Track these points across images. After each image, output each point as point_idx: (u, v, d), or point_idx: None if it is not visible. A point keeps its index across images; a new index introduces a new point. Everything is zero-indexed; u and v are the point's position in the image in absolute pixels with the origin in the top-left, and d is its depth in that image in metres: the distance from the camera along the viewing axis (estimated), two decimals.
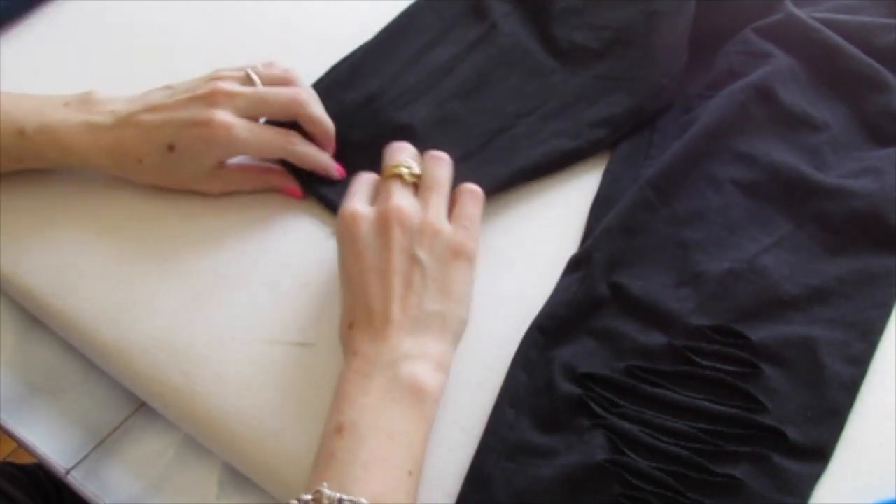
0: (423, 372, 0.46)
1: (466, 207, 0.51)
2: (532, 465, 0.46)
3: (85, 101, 0.56)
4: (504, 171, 0.57)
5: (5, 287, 0.57)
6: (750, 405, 0.47)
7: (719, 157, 0.58)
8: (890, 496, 0.45)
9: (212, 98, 0.54)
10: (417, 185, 0.52)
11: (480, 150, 0.59)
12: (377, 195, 0.51)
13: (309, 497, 0.41)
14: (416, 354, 0.46)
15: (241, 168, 0.57)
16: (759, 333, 0.50)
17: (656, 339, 0.50)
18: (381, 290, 0.47)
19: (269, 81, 0.56)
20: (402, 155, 0.53)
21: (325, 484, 0.41)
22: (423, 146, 0.56)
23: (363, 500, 0.41)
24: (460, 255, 0.49)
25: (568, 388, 0.48)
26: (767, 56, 0.62)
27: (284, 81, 0.57)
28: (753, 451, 0.46)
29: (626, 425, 0.46)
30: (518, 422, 0.47)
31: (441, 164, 0.53)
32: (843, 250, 0.54)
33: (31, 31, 0.69)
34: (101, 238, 0.56)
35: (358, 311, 0.47)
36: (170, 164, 0.54)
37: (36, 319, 0.57)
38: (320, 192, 0.57)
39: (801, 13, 0.63)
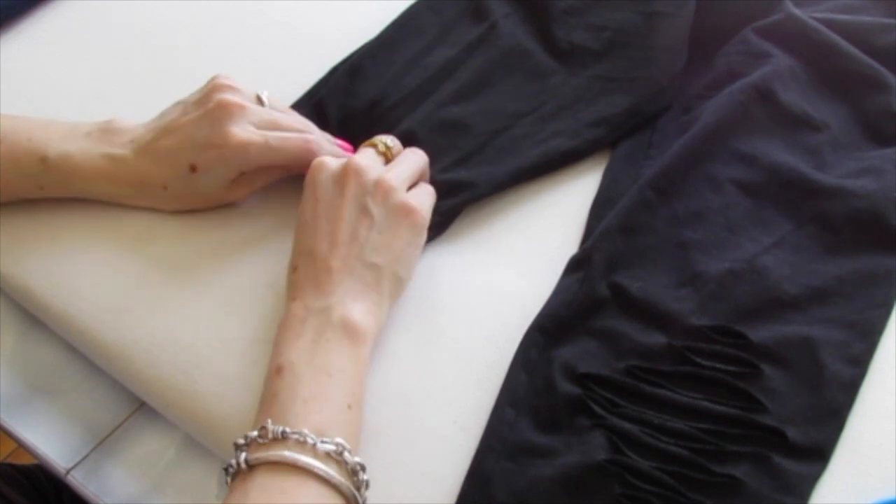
0: (355, 314, 0.47)
1: (422, 191, 0.53)
2: (532, 465, 0.46)
3: (105, 130, 0.55)
4: (504, 171, 0.57)
5: (5, 287, 0.57)
6: (750, 405, 0.47)
7: (719, 158, 0.58)
8: (890, 496, 0.45)
9: (225, 111, 0.53)
10: (389, 160, 0.54)
11: (480, 151, 0.59)
12: None
13: (255, 433, 0.42)
14: (348, 300, 0.48)
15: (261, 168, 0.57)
16: (759, 333, 0.50)
17: (656, 339, 0.50)
18: (327, 236, 0.49)
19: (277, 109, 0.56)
20: (386, 137, 0.55)
21: (269, 420, 0.43)
22: (424, 150, 0.56)
23: (304, 430, 0.42)
24: (409, 215, 0.51)
25: (568, 388, 0.48)
26: (767, 56, 0.62)
27: (288, 113, 0.57)
28: (753, 451, 0.46)
29: (626, 425, 0.46)
30: (518, 422, 0.47)
31: (417, 152, 0.55)
32: (843, 250, 0.54)
33: (31, 31, 0.69)
34: (101, 238, 0.56)
35: (303, 255, 0.49)
36: (194, 184, 0.54)
37: (36, 319, 0.57)
38: None
39: (801, 13, 0.63)
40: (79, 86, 0.65)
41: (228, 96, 0.54)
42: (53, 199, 0.57)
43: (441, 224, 0.55)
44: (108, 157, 0.54)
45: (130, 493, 0.52)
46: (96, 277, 0.54)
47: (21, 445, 0.55)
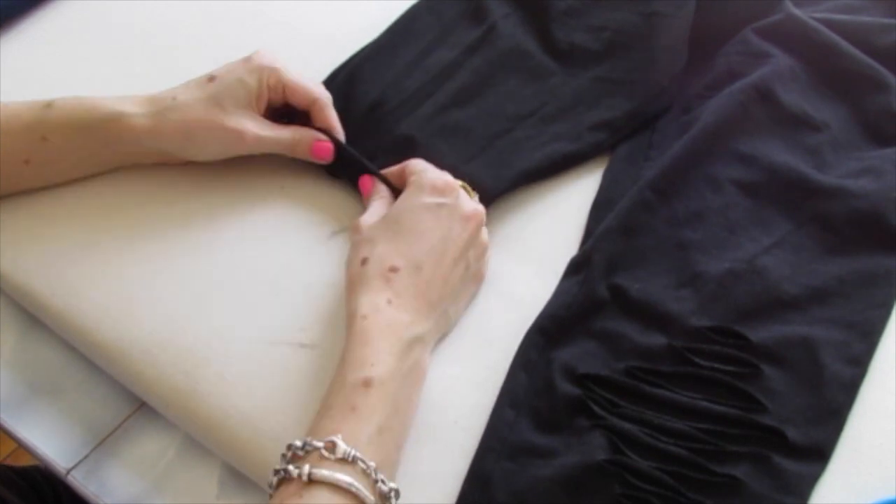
0: (427, 358, 0.48)
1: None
2: (532, 465, 0.46)
3: (150, 99, 0.55)
4: (506, 174, 0.58)
5: (5, 287, 0.57)
6: (750, 405, 0.47)
7: (719, 158, 0.58)
8: (890, 496, 0.45)
9: (266, 56, 0.55)
10: None
11: (481, 154, 0.59)
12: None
13: (320, 444, 0.41)
14: (428, 340, 0.48)
15: (282, 123, 0.57)
16: (759, 334, 0.50)
17: (656, 339, 0.50)
18: (437, 262, 0.49)
19: (298, 99, 0.57)
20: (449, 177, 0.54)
21: (340, 437, 0.41)
22: (425, 153, 0.56)
23: (371, 464, 0.41)
24: (480, 283, 0.53)
25: (568, 388, 0.48)
26: (767, 56, 0.62)
27: (309, 104, 0.57)
28: (753, 451, 0.46)
29: (626, 425, 0.46)
30: (518, 422, 0.47)
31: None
32: (843, 250, 0.54)
33: (31, 31, 0.69)
34: (101, 238, 0.56)
35: (409, 260, 0.48)
36: (208, 92, 0.54)
37: (36, 319, 0.57)
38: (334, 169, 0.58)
39: (801, 13, 0.63)
40: (79, 86, 0.65)
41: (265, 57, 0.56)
42: (54, 199, 0.57)
43: None
44: (158, 102, 0.54)
45: (130, 493, 0.52)
46: (96, 278, 0.54)
47: (21, 445, 0.55)
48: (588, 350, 0.50)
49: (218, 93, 0.54)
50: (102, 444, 0.54)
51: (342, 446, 0.41)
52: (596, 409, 0.47)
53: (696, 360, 0.49)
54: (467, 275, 0.51)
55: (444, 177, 0.52)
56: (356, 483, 0.40)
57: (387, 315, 0.46)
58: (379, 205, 0.53)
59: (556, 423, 0.47)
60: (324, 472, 0.40)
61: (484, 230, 0.53)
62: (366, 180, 0.56)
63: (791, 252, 0.54)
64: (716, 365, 0.49)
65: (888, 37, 0.63)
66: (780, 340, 0.49)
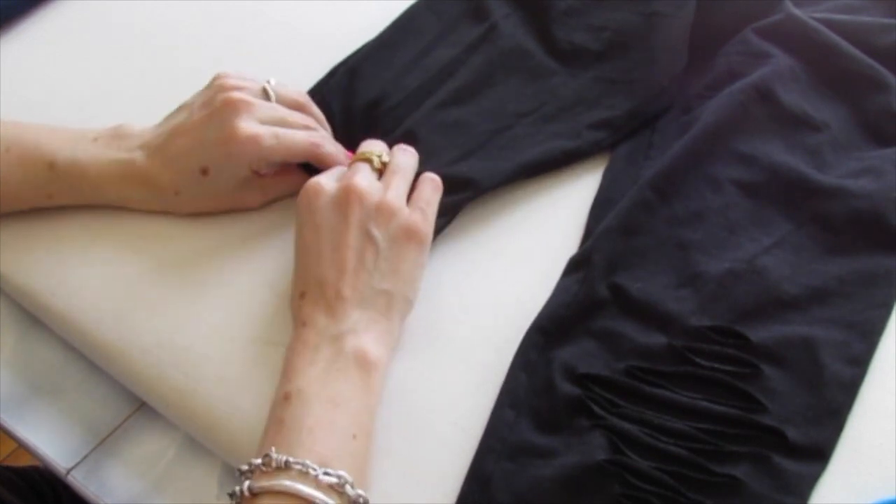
0: (367, 344, 0.47)
1: (425, 192, 0.53)
2: (532, 465, 0.46)
3: (114, 135, 0.55)
4: (504, 167, 0.57)
5: (5, 287, 0.57)
6: (750, 405, 0.47)
7: (719, 158, 0.58)
8: (890, 496, 0.45)
9: (231, 107, 0.52)
10: (383, 172, 0.53)
11: (480, 149, 0.59)
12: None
13: (259, 461, 0.42)
14: (361, 329, 0.47)
15: (277, 174, 0.56)
16: (759, 334, 0.50)
17: (656, 339, 0.50)
18: (334, 264, 0.49)
19: (284, 102, 0.56)
20: (375, 146, 0.55)
21: (273, 448, 0.42)
22: (424, 150, 0.56)
23: (307, 461, 0.42)
24: (413, 237, 0.50)
25: (568, 388, 0.48)
26: (767, 56, 0.62)
27: (298, 107, 0.56)
28: (753, 452, 0.46)
29: (626, 425, 0.46)
30: (518, 422, 0.47)
31: (407, 153, 0.55)
32: (843, 250, 0.54)
33: (31, 31, 0.69)
34: (101, 238, 0.56)
35: (310, 281, 0.49)
36: (206, 188, 0.54)
37: (36, 319, 0.57)
38: None
39: (801, 13, 0.63)
40: (79, 86, 0.65)
41: (234, 94, 0.53)
42: None
43: (442, 222, 0.55)
44: (118, 161, 0.54)
45: (130, 493, 0.52)
46: (96, 278, 0.54)
47: (21, 445, 0.55)
48: (588, 350, 0.50)
49: (215, 185, 0.54)
50: (102, 444, 0.54)
51: (274, 456, 0.42)
52: (596, 409, 0.47)
53: (696, 359, 0.49)
54: (385, 246, 0.49)
55: (308, 183, 0.51)
56: (289, 482, 0.41)
57: (301, 335, 0.47)
58: None
59: (556, 423, 0.47)
60: (262, 483, 0.42)
61: (376, 192, 0.50)
62: None
63: (791, 252, 0.54)
64: (716, 365, 0.49)
65: (888, 37, 0.62)
66: (780, 340, 0.49)
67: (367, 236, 0.49)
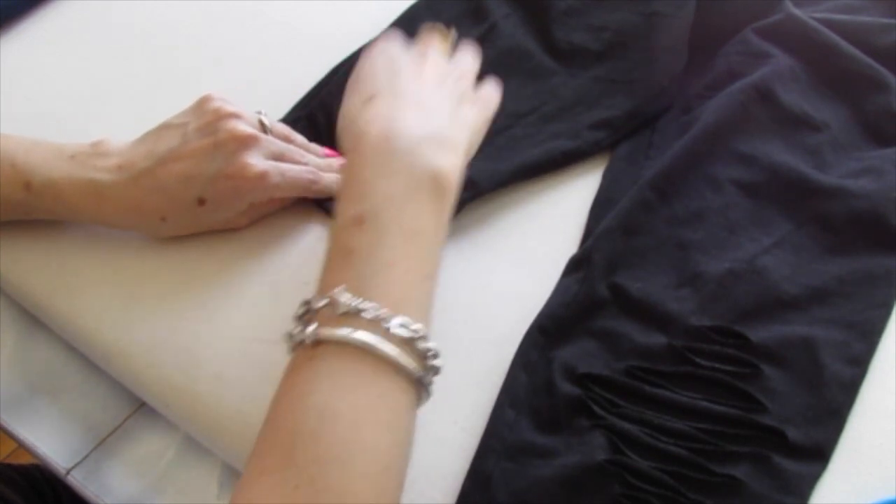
0: (445, 161, 0.42)
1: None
2: (532, 465, 0.46)
3: (92, 153, 0.52)
4: (504, 168, 0.57)
5: (5, 287, 0.57)
6: (750, 405, 0.47)
7: (719, 158, 0.58)
8: (890, 496, 0.45)
9: (240, 143, 0.51)
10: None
11: (480, 149, 0.59)
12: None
13: (323, 302, 0.38)
14: (441, 139, 0.43)
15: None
16: (759, 334, 0.50)
17: (656, 339, 0.50)
18: (415, 77, 0.46)
19: (277, 135, 0.55)
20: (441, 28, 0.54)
21: (343, 289, 0.38)
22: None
23: (384, 310, 0.38)
24: (484, 109, 0.50)
25: (568, 388, 0.48)
26: (767, 56, 0.62)
27: (287, 138, 0.56)
28: (753, 452, 0.46)
29: (626, 425, 0.46)
30: (518, 422, 0.47)
31: (468, 54, 0.54)
32: (843, 250, 0.54)
33: (31, 31, 0.69)
34: (100, 238, 0.56)
35: (382, 87, 0.45)
36: (198, 216, 0.53)
37: (36, 319, 0.57)
38: (327, 206, 0.57)
39: (801, 13, 0.63)
40: (79, 86, 0.65)
41: (241, 127, 0.51)
42: None
43: None
44: (94, 183, 0.51)
45: (130, 493, 0.52)
46: (96, 277, 0.54)
47: (21, 445, 0.55)
48: (588, 349, 0.50)
49: (209, 215, 0.53)
50: (102, 444, 0.54)
51: (343, 300, 0.38)
52: (596, 409, 0.47)
53: (696, 359, 0.49)
54: (458, 92, 0.48)
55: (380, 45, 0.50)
56: (364, 337, 0.37)
57: (369, 139, 0.42)
58: None
59: (556, 423, 0.47)
60: (327, 332, 0.38)
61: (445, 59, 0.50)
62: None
63: (791, 252, 0.54)
64: (716, 365, 0.49)
65: (888, 37, 0.63)
66: (780, 340, 0.49)
67: (444, 82, 0.48)
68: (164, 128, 0.53)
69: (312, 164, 0.56)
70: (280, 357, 0.51)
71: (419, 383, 0.39)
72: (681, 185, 0.56)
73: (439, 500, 0.46)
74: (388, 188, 0.40)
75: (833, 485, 0.46)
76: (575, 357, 0.49)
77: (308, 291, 0.53)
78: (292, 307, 0.53)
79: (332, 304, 0.38)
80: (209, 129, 0.51)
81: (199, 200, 0.51)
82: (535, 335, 0.50)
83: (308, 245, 0.56)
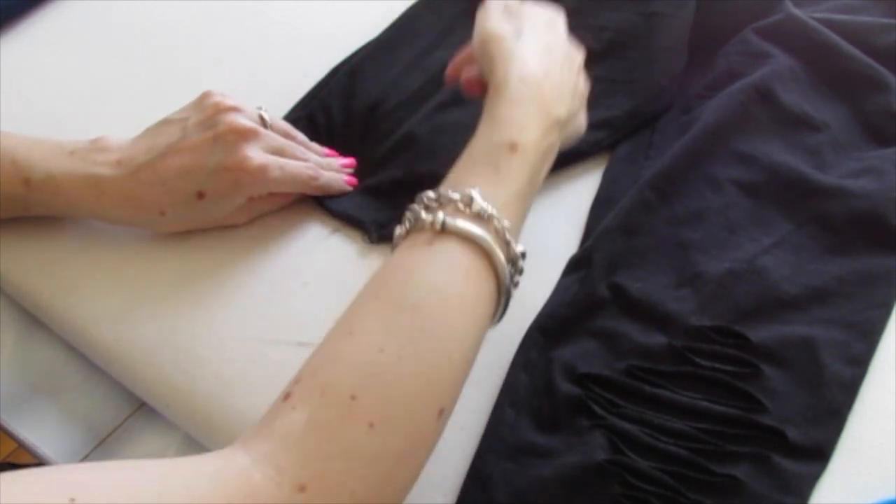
0: (568, 118, 0.49)
1: None
2: (532, 465, 0.46)
3: (91, 148, 0.52)
4: None
5: (5, 287, 0.57)
6: (750, 405, 0.47)
7: (719, 158, 0.58)
8: (890, 496, 0.45)
9: (240, 135, 0.51)
10: None
11: None
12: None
13: (458, 196, 0.41)
14: (561, 128, 0.48)
15: (266, 195, 0.56)
16: (759, 334, 0.50)
17: (656, 339, 0.50)
18: (567, 47, 0.51)
19: (277, 130, 0.56)
20: None
21: (478, 189, 0.41)
22: (425, 151, 0.56)
23: (507, 224, 0.41)
24: (580, 96, 0.53)
25: (568, 388, 0.48)
26: (767, 56, 0.62)
27: (288, 134, 0.56)
28: (753, 451, 0.46)
29: (626, 425, 0.46)
30: (518, 422, 0.47)
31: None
32: (843, 250, 0.54)
33: (31, 31, 0.69)
34: (101, 239, 0.56)
35: (555, 51, 0.50)
36: (197, 210, 0.53)
37: (36, 319, 0.57)
38: (327, 204, 0.57)
39: (801, 13, 0.63)
40: (79, 86, 0.65)
41: (240, 120, 0.52)
42: None
43: None
44: (93, 177, 0.51)
45: None
46: (97, 278, 0.54)
47: (21, 445, 0.55)
48: (588, 349, 0.50)
49: (208, 209, 0.53)
50: (102, 444, 0.54)
51: (479, 201, 0.41)
52: (596, 408, 0.47)
53: (697, 359, 0.49)
54: (577, 87, 0.52)
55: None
56: (489, 239, 0.41)
57: (541, 85, 0.47)
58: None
59: (557, 423, 0.47)
60: (458, 223, 0.41)
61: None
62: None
63: (791, 252, 0.54)
64: (716, 365, 0.49)
65: (888, 37, 0.63)
66: (780, 340, 0.49)
67: (573, 71, 0.51)
68: (164, 123, 0.53)
69: (313, 161, 0.56)
70: (280, 357, 0.51)
71: (507, 296, 0.43)
72: (681, 185, 0.56)
73: (439, 500, 0.46)
74: (542, 139, 0.45)
75: (833, 485, 0.45)
76: (575, 357, 0.49)
77: (308, 293, 0.53)
78: (291, 306, 0.53)
79: (467, 200, 0.41)
80: (209, 123, 0.51)
81: (198, 194, 0.52)
82: (535, 335, 0.50)
83: (308, 245, 0.56)
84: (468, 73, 0.54)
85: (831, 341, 0.50)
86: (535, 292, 0.53)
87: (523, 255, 0.43)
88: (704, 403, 0.47)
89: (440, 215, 0.41)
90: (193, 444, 0.53)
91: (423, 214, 0.41)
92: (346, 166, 0.58)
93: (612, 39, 0.64)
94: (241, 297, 0.53)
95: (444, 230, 0.41)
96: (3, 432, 0.56)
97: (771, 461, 0.45)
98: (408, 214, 0.42)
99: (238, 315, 0.53)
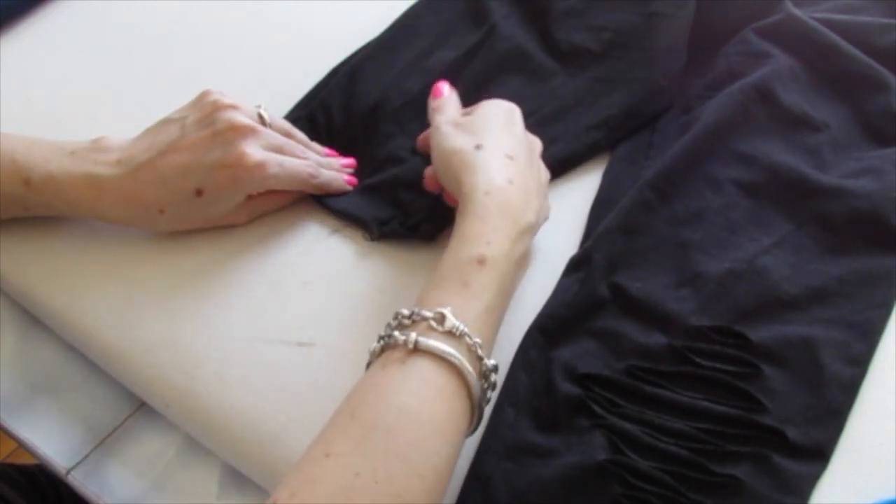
0: (535, 221, 0.49)
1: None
2: (532, 465, 0.46)
3: (92, 148, 0.53)
4: None
5: (5, 287, 0.57)
6: (750, 405, 0.47)
7: (719, 158, 0.58)
8: (890, 496, 0.45)
9: (238, 132, 0.52)
10: None
11: None
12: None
13: (431, 314, 0.42)
14: (534, 232, 0.49)
15: (266, 193, 0.56)
16: (759, 334, 0.50)
17: (656, 339, 0.50)
18: (527, 159, 0.50)
19: (277, 129, 0.56)
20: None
21: (451, 309, 0.42)
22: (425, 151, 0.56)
23: (478, 341, 0.42)
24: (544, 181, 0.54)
25: (568, 388, 0.48)
26: (767, 56, 0.62)
27: (287, 133, 0.56)
28: (753, 451, 0.46)
29: (627, 425, 0.46)
30: (518, 422, 0.47)
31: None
32: (843, 250, 0.54)
33: (31, 31, 0.69)
34: (101, 239, 0.56)
35: (520, 153, 0.50)
36: (196, 208, 0.53)
37: (36, 319, 0.57)
38: (327, 202, 0.57)
39: (801, 13, 0.63)
40: (79, 86, 0.65)
41: (239, 117, 0.52)
42: None
43: (440, 226, 0.55)
44: (92, 176, 0.51)
45: (130, 493, 0.52)
46: (96, 277, 0.54)
47: (21, 445, 0.55)
48: (588, 349, 0.50)
49: (207, 207, 0.53)
50: (102, 444, 0.54)
51: (451, 319, 0.41)
52: (596, 408, 0.47)
53: (697, 359, 0.49)
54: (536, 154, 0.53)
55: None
56: (461, 357, 0.41)
57: (507, 194, 0.47)
58: (453, 104, 0.55)
59: (557, 423, 0.47)
60: (430, 342, 0.41)
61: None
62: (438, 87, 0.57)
63: (791, 252, 0.54)
64: (716, 365, 0.49)
65: (888, 37, 0.63)
66: (780, 340, 0.49)
67: (532, 140, 0.53)
68: (164, 122, 0.54)
69: (312, 160, 0.56)
70: (280, 357, 0.51)
71: (480, 411, 0.43)
72: (681, 185, 0.56)
73: None
74: (511, 248, 0.46)
75: (833, 485, 0.45)
76: (575, 357, 0.49)
77: (307, 293, 0.53)
78: (291, 306, 0.53)
79: (439, 319, 0.42)
80: (207, 121, 0.52)
81: (196, 191, 0.52)
82: (535, 335, 0.50)
83: (308, 245, 0.56)
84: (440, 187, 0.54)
85: (831, 341, 0.50)
86: (535, 292, 0.53)
87: (495, 368, 0.43)
88: (704, 403, 0.47)
89: (412, 335, 0.41)
90: (193, 444, 0.53)
91: (397, 333, 0.42)
92: (346, 166, 0.58)
93: (612, 39, 0.64)
94: (241, 297, 0.53)
95: (416, 349, 0.41)
96: (3, 432, 0.56)
97: (771, 461, 0.45)
98: (384, 331, 0.43)
99: (238, 315, 0.53)
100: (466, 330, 0.42)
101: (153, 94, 0.64)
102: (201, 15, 0.70)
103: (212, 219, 0.55)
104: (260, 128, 0.53)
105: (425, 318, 0.42)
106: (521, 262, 0.47)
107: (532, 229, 0.48)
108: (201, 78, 0.63)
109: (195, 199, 0.52)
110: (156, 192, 0.52)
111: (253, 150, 0.52)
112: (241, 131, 0.52)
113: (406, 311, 0.42)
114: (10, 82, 0.65)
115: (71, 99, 0.64)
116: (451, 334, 0.41)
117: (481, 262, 0.44)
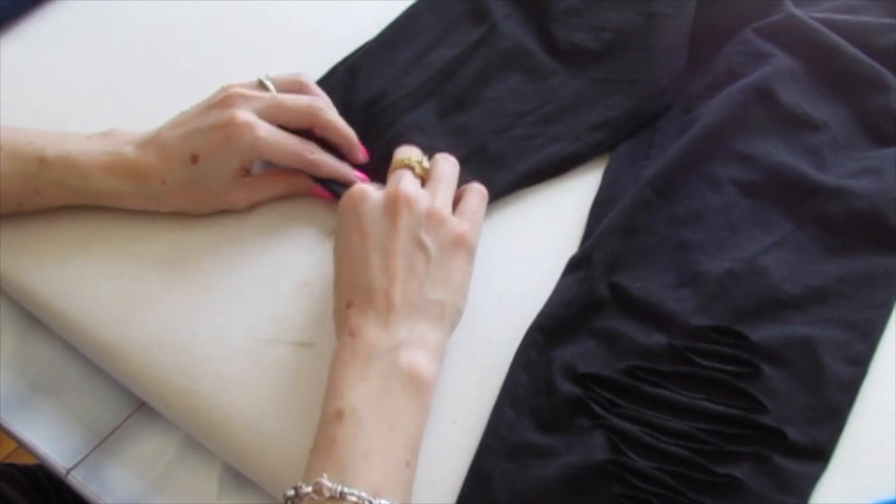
0: (420, 360, 0.45)
1: (471, 202, 0.53)
2: (532, 465, 0.46)
3: (107, 134, 0.56)
4: (505, 177, 0.58)
5: (5, 287, 0.57)
6: (750, 405, 0.47)
7: (719, 158, 0.58)
8: (890, 496, 0.45)
9: (228, 101, 0.54)
10: (425, 179, 0.53)
11: (480, 152, 0.59)
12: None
13: (309, 488, 0.41)
14: (413, 341, 0.46)
15: (266, 175, 0.57)
16: (759, 333, 0.50)
17: (656, 339, 0.50)
18: (383, 271, 0.47)
19: (283, 87, 0.56)
20: (412, 152, 0.55)
21: (325, 475, 0.41)
22: (424, 149, 0.56)
23: (363, 494, 0.41)
24: (462, 245, 0.49)
25: (568, 388, 0.48)
26: (767, 56, 0.62)
27: (298, 87, 0.57)
28: (753, 451, 0.46)
29: (627, 425, 0.46)
30: (518, 422, 0.47)
31: (448, 161, 0.55)
32: (843, 250, 0.54)
33: (31, 31, 0.69)
34: (101, 238, 0.56)
35: (358, 289, 0.47)
36: (194, 177, 0.54)
37: (36, 319, 0.57)
38: (334, 189, 0.57)
39: (801, 13, 0.63)
40: (79, 86, 0.65)
41: (233, 89, 0.54)
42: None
43: None
44: (107, 152, 0.54)
45: (130, 493, 0.52)
46: (96, 277, 0.54)
47: (21, 445, 0.55)
48: (588, 349, 0.50)
49: (203, 176, 0.54)
50: (102, 444, 0.54)
51: (327, 485, 0.41)
52: (596, 408, 0.47)
53: (697, 359, 0.49)
54: (435, 254, 0.48)
55: (353, 188, 0.51)
56: None
57: (350, 346, 0.46)
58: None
59: (557, 423, 0.47)
60: None
61: (425, 200, 0.50)
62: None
63: (791, 252, 0.54)
64: (716, 365, 0.49)
65: (888, 37, 0.63)
66: (780, 340, 0.49)
67: (418, 243, 0.48)
68: (177, 115, 0.56)
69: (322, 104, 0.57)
70: (280, 357, 0.51)
71: None
72: (681, 185, 0.56)
73: (439, 500, 0.46)
74: (366, 389, 0.44)
75: (833, 485, 0.46)
76: (575, 357, 0.49)
77: (308, 293, 0.53)
78: (292, 307, 0.53)
79: (318, 489, 0.41)
80: (209, 100, 0.55)
81: (192, 157, 0.53)
82: (536, 335, 0.50)
83: (308, 244, 0.56)
84: None
85: (831, 341, 0.50)
86: (534, 292, 0.53)
87: None
88: (704, 403, 0.47)
89: None
90: (193, 444, 0.53)
91: None
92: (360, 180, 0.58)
93: (612, 39, 0.64)
94: (242, 297, 0.53)
95: None
96: (4, 432, 0.56)
97: (771, 461, 0.45)
98: None
99: (238, 315, 0.53)
100: (346, 489, 0.41)
101: (153, 94, 0.64)
102: (201, 15, 0.70)
103: (209, 192, 0.55)
104: (253, 93, 0.55)
105: (307, 493, 0.41)
106: (396, 385, 0.44)
107: (403, 344, 0.45)
108: (201, 78, 0.63)
109: (192, 165, 0.53)
110: (156, 162, 0.54)
111: (242, 112, 0.53)
112: (232, 99, 0.54)
113: (291, 492, 0.42)
114: (10, 82, 0.65)
115: (71, 99, 0.64)
116: (334, 499, 0.41)
117: (339, 416, 0.43)
